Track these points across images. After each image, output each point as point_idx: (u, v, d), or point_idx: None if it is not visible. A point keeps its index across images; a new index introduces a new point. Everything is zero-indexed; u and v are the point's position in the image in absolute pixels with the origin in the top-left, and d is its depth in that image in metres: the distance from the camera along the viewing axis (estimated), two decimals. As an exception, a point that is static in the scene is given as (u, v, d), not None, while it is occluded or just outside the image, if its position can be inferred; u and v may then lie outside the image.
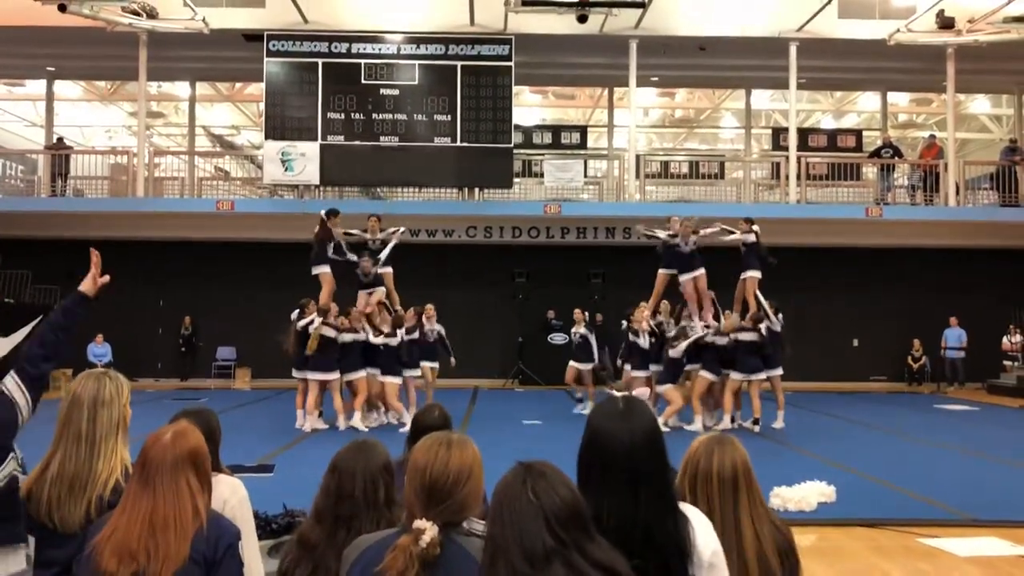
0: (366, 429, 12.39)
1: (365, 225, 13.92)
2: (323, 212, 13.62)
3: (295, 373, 12.80)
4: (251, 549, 3.11)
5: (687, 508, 2.26)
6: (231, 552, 2.50)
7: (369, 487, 2.55)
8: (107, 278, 3.45)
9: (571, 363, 15.02)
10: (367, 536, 2.30)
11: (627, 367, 13.80)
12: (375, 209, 19.60)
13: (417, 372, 13.50)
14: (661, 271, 13.64)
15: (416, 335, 13.42)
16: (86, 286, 3.42)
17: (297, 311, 12.79)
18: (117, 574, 2.41)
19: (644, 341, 13.32)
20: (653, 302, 13.79)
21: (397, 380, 12.91)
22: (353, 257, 13.45)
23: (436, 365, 14.45)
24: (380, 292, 13.58)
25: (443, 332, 14.45)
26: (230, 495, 3.11)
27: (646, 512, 2.12)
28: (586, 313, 15.47)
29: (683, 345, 12.62)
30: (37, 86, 22.63)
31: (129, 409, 2.98)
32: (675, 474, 2.31)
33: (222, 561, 2.47)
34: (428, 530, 2.10)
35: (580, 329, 14.92)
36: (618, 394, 2.32)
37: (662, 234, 13.51)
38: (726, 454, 2.57)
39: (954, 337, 20.09)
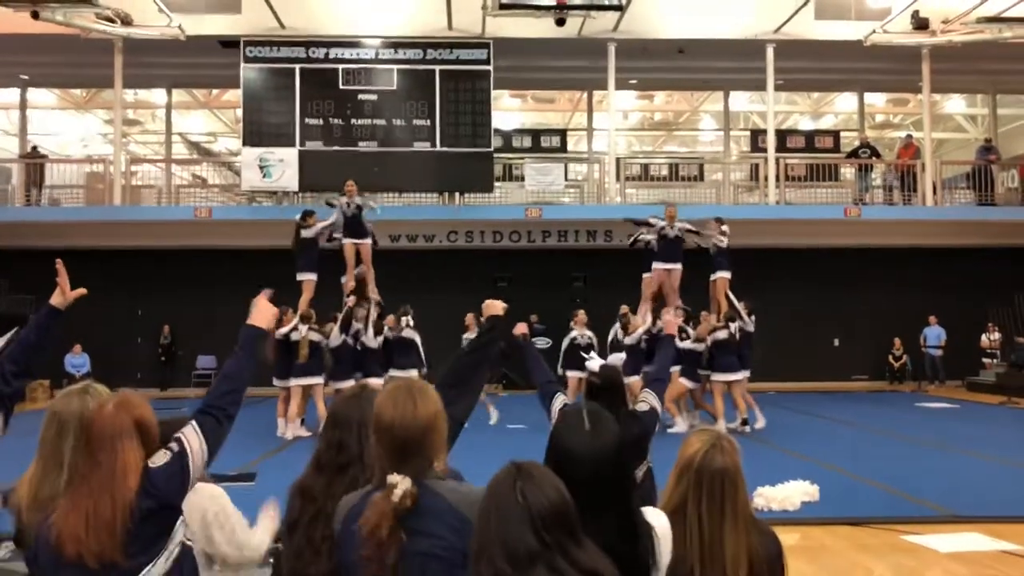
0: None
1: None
2: (297, 216, 13.47)
3: (276, 382, 12.69)
4: (258, 533, 3.23)
5: (650, 514, 2.23)
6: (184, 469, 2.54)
7: (365, 438, 2.54)
8: (81, 291, 3.37)
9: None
10: (350, 495, 2.32)
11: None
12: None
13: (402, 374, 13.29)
14: (656, 265, 13.44)
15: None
16: (56, 299, 3.37)
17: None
18: (64, 553, 2.37)
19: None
20: (650, 305, 13.53)
21: (379, 382, 12.78)
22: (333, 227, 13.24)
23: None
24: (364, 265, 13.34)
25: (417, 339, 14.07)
26: (210, 504, 3.09)
27: (611, 539, 2.07)
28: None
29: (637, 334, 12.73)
30: (10, 94, 22.38)
31: None
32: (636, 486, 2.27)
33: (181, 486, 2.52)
34: (400, 484, 2.11)
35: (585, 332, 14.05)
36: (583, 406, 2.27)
37: (656, 222, 13.42)
38: (717, 456, 2.53)
39: (933, 335, 20.24)
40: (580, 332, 13.84)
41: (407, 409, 2.20)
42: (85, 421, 2.65)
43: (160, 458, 2.54)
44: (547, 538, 1.86)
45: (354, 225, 13.28)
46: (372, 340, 12.84)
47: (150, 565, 2.41)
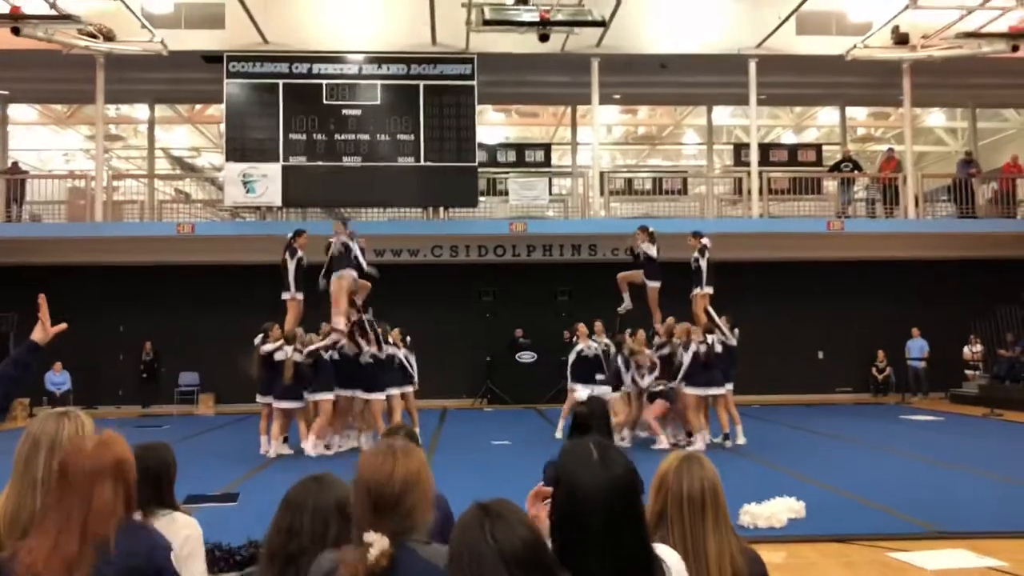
0: (315, 456, 11.98)
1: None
2: (289, 234, 13.36)
3: (259, 399, 12.58)
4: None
5: (661, 551, 2.16)
6: (168, 569, 2.47)
7: (319, 525, 2.42)
8: (62, 326, 3.32)
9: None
10: (326, 556, 2.23)
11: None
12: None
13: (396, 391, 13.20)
14: (650, 284, 13.48)
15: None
16: (37, 335, 3.31)
17: (261, 336, 12.55)
18: None
19: (645, 378, 13.05)
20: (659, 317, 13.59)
21: (381, 396, 12.70)
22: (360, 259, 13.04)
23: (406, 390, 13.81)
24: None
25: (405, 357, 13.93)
26: (190, 533, 3.08)
27: (623, 564, 2.01)
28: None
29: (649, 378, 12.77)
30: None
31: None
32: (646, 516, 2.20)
33: (159, 572, 2.44)
34: (377, 542, 2.04)
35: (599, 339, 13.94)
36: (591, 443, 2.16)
37: (653, 250, 13.39)
38: (695, 474, 2.53)
39: (916, 348, 20.34)
40: (586, 344, 13.66)
41: (386, 467, 2.14)
42: (59, 445, 2.62)
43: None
44: None
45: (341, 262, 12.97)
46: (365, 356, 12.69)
47: None
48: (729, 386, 12.89)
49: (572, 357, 13.76)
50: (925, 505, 8.19)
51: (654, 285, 13.35)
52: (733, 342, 13.05)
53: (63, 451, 2.51)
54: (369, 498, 2.12)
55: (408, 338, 14.42)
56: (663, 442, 12.52)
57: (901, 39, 18.10)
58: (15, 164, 20.33)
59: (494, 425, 15.89)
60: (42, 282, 20.41)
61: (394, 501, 2.12)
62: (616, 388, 13.26)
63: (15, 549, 2.40)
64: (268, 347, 12.31)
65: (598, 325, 14.02)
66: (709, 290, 13.07)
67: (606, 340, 13.89)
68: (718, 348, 12.68)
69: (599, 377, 13.55)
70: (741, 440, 12.75)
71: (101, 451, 2.46)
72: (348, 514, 2.51)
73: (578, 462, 2.06)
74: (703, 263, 13.08)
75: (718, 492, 2.53)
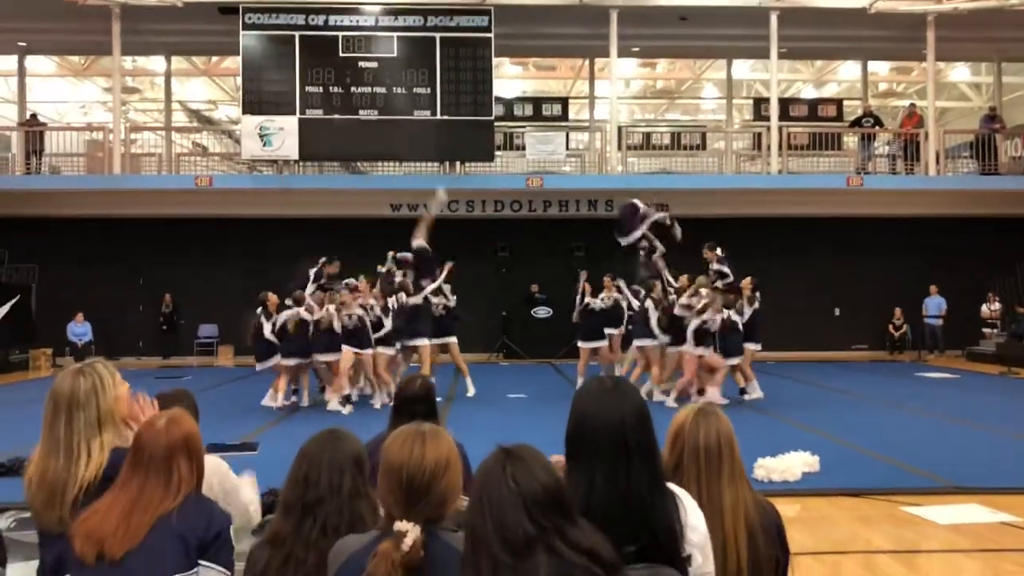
0: (346, 412, 11.93)
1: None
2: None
3: (282, 360, 12.39)
4: (247, 490, 3.37)
5: (675, 488, 2.24)
6: (223, 535, 2.57)
7: (335, 477, 2.47)
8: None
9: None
10: (350, 539, 2.22)
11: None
12: (355, 184, 19.57)
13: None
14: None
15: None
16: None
17: (260, 307, 12.53)
18: (84, 556, 2.44)
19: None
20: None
21: (390, 351, 12.77)
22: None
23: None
24: None
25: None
26: (211, 474, 3.19)
27: (637, 485, 2.09)
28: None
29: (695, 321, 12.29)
30: (9, 61, 22.22)
31: (121, 393, 2.90)
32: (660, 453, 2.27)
33: (213, 542, 2.53)
34: (410, 532, 2.02)
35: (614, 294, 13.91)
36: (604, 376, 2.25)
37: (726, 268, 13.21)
38: (711, 426, 2.56)
39: (934, 305, 20.25)
40: (594, 299, 13.70)
41: (416, 452, 2.11)
42: (76, 404, 2.74)
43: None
44: (543, 521, 1.84)
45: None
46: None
47: None
48: (754, 346, 12.93)
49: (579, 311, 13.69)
50: (939, 461, 8.23)
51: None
52: (747, 311, 12.91)
53: (136, 433, 2.64)
54: (400, 486, 2.09)
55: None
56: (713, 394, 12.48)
57: (926, -9, 17.77)
58: (34, 116, 20.36)
59: (510, 379, 15.99)
60: (61, 234, 20.58)
61: (426, 488, 2.09)
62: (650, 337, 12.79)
63: (82, 523, 2.50)
64: (285, 315, 12.30)
65: (607, 280, 13.93)
66: (756, 347, 13.06)
67: (615, 295, 13.80)
68: (735, 318, 12.57)
69: (609, 331, 13.63)
70: (758, 394, 12.78)
71: (172, 428, 2.60)
72: (363, 468, 2.56)
73: (591, 394, 2.22)
74: (727, 268, 12.98)
75: (733, 444, 2.56)
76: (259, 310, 12.55)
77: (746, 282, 13.01)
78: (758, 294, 13.09)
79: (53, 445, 2.77)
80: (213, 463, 3.30)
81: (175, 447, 2.56)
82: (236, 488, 3.43)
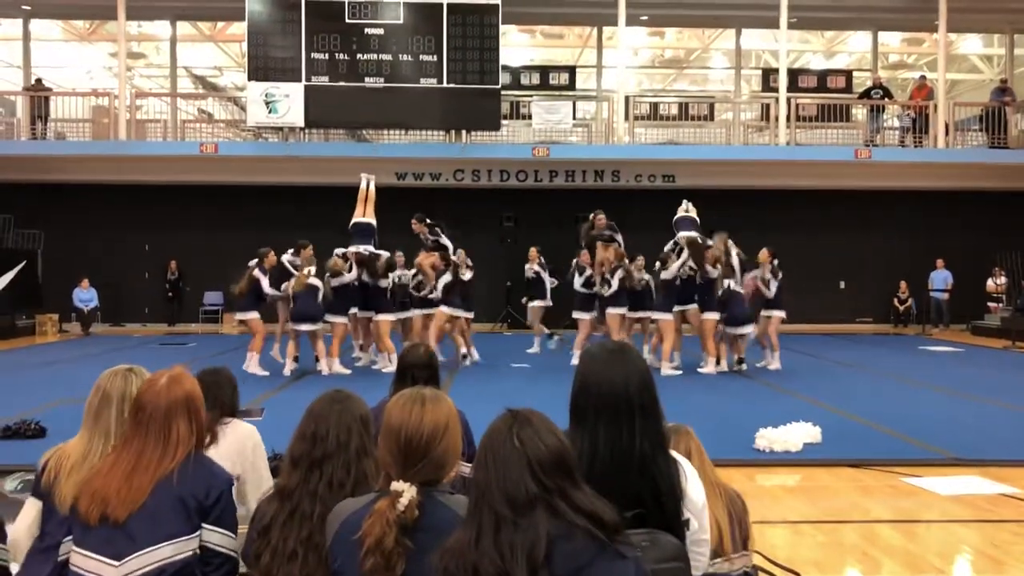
0: (347, 372, 12.29)
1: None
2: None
3: (330, 317, 12.47)
4: (263, 485, 3.36)
5: (677, 455, 2.26)
6: (224, 498, 2.58)
7: (343, 434, 2.51)
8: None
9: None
10: (348, 502, 2.25)
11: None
12: (360, 152, 19.49)
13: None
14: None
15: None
16: None
17: (256, 260, 12.60)
18: (89, 516, 2.47)
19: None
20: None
21: (390, 317, 12.86)
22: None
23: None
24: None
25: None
26: (246, 439, 3.49)
27: (641, 444, 2.12)
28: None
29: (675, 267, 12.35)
30: (13, 25, 22.11)
31: None
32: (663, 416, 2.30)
33: (215, 506, 2.54)
34: (406, 492, 2.06)
35: (533, 266, 15.37)
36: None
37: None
38: (680, 443, 2.71)
39: (940, 279, 20.21)
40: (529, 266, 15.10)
41: (415, 414, 2.15)
42: (127, 399, 2.79)
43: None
44: (546, 482, 1.87)
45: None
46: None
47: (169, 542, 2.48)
48: (779, 313, 13.08)
49: (579, 282, 13.58)
50: (941, 433, 8.25)
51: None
52: (770, 277, 12.97)
53: (138, 391, 2.71)
54: (398, 447, 2.13)
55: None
56: (710, 366, 12.60)
57: (939, -39, 17.56)
58: (39, 81, 20.28)
59: (514, 348, 16.04)
60: (67, 200, 20.57)
61: (424, 450, 2.12)
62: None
63: (87, 483, 2.54)
64: (265, 280, 12.42)
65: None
66: (781, 314, 13.14)
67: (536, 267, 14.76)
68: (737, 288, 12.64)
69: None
70: (772, 364, 12.92)
71: (173, 387, 2.62)
72: (369, 427, 2.59)
73: (595, 357, 2.27)
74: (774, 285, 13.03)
75: (702, 453, 2.82)
76: (254, 263, 12.59)
77: (764, 254, 13.04)
78: (776, 262, 13.14)
79: (100, 433, 2.82)
80: (247, 430, 3.54)
81: (175, 406, 2.58)
82: (264, 462, 3.56)
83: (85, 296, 19.28)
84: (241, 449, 3.44)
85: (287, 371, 12.41)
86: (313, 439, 2.52)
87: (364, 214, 13.21)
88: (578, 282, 13.55)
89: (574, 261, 13.89)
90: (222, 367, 3.78)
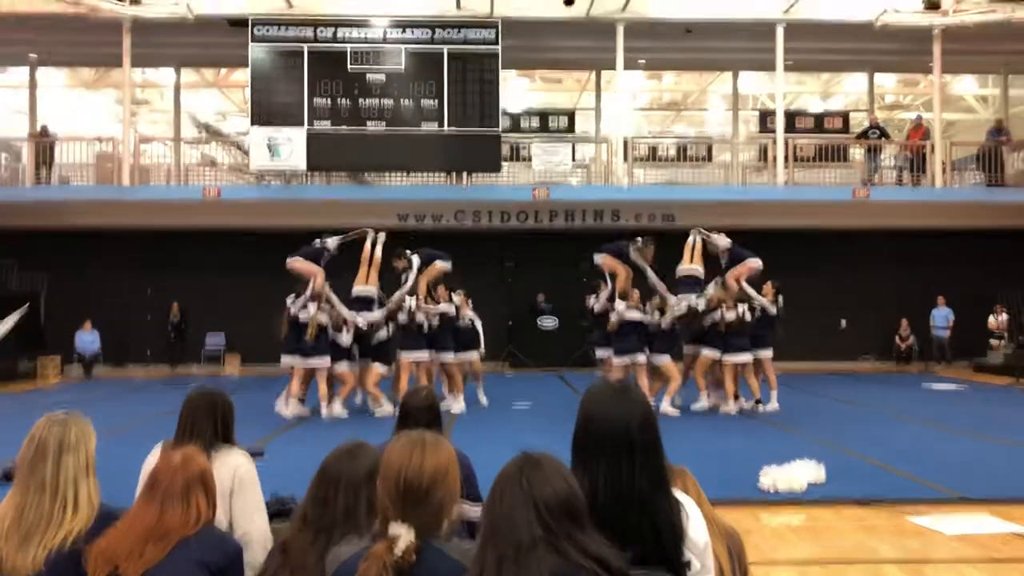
0: (344, 415, 12.31)
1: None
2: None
3: (285, 359, 12.69)
4: (259, 513, 3.40)
5: (680, 495, 2.27)
6: (237, 564, 2.72)
7: (350, 499, 2.53)
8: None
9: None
10: (344, 547, 2.25)
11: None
12: (362, 195, 19.61)
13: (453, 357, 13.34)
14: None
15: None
16: None
17: (293, 296, 12.78)
18: (96, 572, 2.53)
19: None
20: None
21: (384, 368, 12.91)
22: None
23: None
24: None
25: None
26: (238, 466, 3.39)
27: (641, 483, 2.12)
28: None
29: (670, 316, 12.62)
30: (20, 73, 22.38)
31: (93, 452, 2.88)
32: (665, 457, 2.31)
33: (228, 569, 2.67)
34: (403, 536, 2.05)
35: (468, 313, 13.93)
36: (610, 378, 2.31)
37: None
38: (676, 484, 2.70)
39: (941, 317, 20.22)
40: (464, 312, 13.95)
41: (415, 458, 2.13)
42: (66, 448, 2.75)
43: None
44: (552, 524, 1.88)
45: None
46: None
47: None
48: (767, 352, 13.02)
49: (598, 304, 13.40)
50: (947, 471, 8.22)
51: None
52: (772, 311, 13.02)
53: (153, 469, 2.78)
54: (397, 490, 2.11)
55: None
56: (703, 401, 12.75)
57: (932, 4, 17.81)
58: (44, 128, 20.48)
59: (516, 389, 16.02)
60: (71, 244, 20.66)
61: (423, 495, 2.11)
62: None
63: (96, 544, 2.59)
64: (301, 303, 12.47)
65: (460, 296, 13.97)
66: (768, 353, 13.17)
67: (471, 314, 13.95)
68: (748, 316, 12.74)
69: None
70: (773, 405, 12.80)
71: (189, 464, 2.72)
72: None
73: (597, 395, 2.25)
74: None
75: (700, 493, 2.74)
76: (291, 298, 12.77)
77: (767, 288, 13.13)
78: (780, 298, 13.20)
79: (36, 486, 2.70)
80: (246, 455, 3.51)
81: (192, 481, 2.68)
82: (254, 483, 3.43)
83: (88, 338, 19.29)
84: (231, 476, 3.32)
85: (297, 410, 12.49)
86: (324, 506, 2.55)
87: (367, 280, 13.22)
88: (598, 305, 13.28)
89: (590, 297, 13.76)
90: (219, 389, 3.75)
